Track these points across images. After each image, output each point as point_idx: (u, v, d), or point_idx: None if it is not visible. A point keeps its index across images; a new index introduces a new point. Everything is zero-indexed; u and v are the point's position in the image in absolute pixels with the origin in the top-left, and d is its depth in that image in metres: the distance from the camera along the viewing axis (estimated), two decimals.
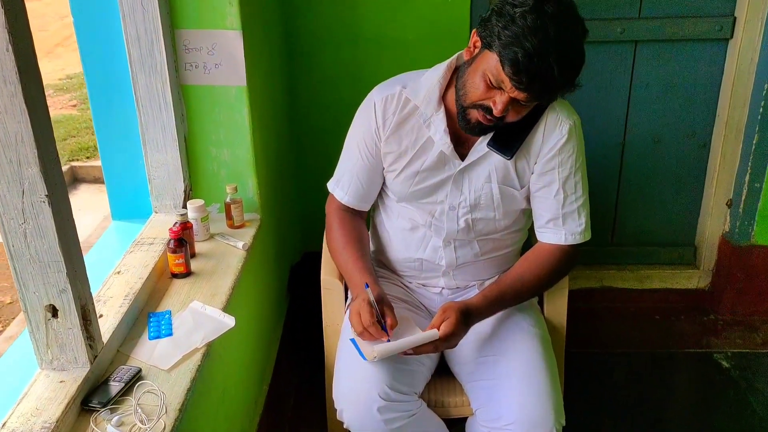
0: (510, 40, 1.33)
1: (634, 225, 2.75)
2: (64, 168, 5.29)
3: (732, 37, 2.44)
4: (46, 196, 1.11)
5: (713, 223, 2.68)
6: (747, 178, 2.49)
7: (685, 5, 2.42)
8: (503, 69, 1.35)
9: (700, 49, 2.48)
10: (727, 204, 2.60)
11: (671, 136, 2.61)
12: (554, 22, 1.32)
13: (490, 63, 1.39)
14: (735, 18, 2.40)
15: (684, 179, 2.67)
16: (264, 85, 2.05)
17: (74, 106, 6.83)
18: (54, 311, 1.22)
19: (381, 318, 1.49)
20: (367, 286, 1.53)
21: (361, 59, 2.41)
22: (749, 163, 2.46)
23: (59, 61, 8.04)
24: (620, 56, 2.50)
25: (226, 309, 1.56)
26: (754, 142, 2.43)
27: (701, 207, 2.71)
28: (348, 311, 1.74)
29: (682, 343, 2.58)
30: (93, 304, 1.29)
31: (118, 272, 1.60)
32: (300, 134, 2.54)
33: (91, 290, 1.31)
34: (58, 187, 1.15)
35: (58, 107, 6.73)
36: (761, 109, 2.39)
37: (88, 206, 4.78)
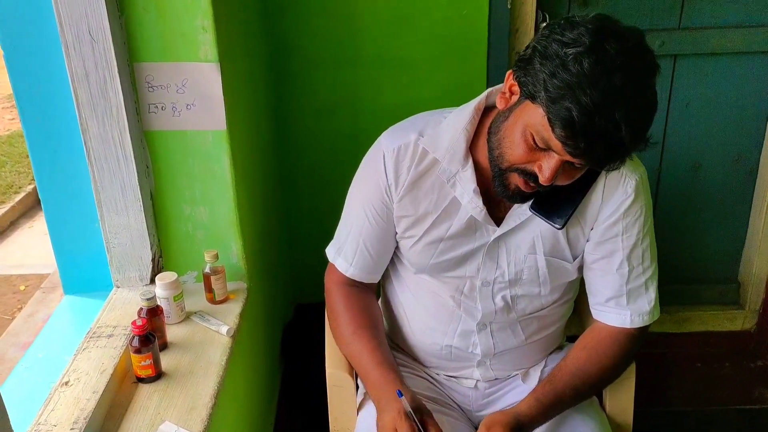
0: (561, 93, 0.99)
1: (671, 260, 2.42)
2: (28, 188, 4.87)
3: None
4: None
5: (761, 258, 2.37)
6: None
7: (731, 14, 2.10)
8: (553, 130, 1.02)
9: (750, 63, 2.16)
10: None
11: (714, 161, 2.29)
12: (620, 65, 0.98)
13: (534, 119, 1.05)
14: None
15: (728, 209, 2.37)
16: (248, 126, 1.69)
17: None
18: None
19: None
20: (401, 394, 1.20)
21: (359, 83, 2.04)
22: None
23: None
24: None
25: (209, 430, 1.21)
26: None
27: (746, 240, 2.41)
28: (360, 417, 1.40)
29: (731, 397, 2.27)
30: None
31: (67, 383, 1.24)
32: (290, 172, 2.17)
33: (32, 408, 1.08)
34: None
35: None
36: None
37: None
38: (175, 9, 1.35)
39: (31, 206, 4.80)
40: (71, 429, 1.13)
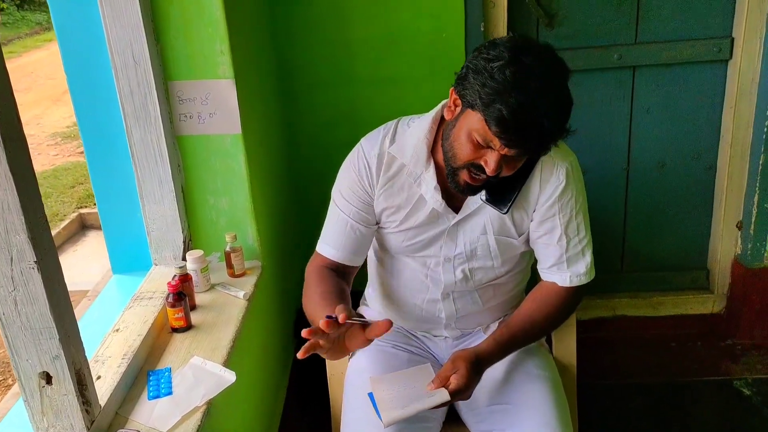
0: (492, 98, 1.25)
1: (644, 251, 2.70)
2: (73, 215, 5.31)
3: (731, 57, 2.41)
4: (35, 262, 1.09)
5: (725, 245, 2.63)
6: (756, 198, 2.45)
7: (681, 29, 2.41)
8: (489, 128, 1.28)
9: (700, 72, 2.46)
10: (737, 226, 2.56)
11: (676, 160, 2.57)
12: (536, 72, 1.25)
13: (475, 122, 1.30)
14: (733, 39, 2.38)
15: (692, 202, 2.63)
16: (260, 132, 2.04)
17: (82, 152, 6.90)
18: (48, 378, 1.20)
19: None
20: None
21: (356, 100, 2.40)
22: (757, 184, 2.43)
23: (67, 108, 8.14)
24: (619, 82, 2.48)
25: (227, 362, 1.53)
26: (761, 162, 2.39)
27: (711, 230, 2.67)
28: (351, 362, 1.69)
29: (701, 371, 2.51)
30: (88, 368, 1.26)
31: (117, 330, 1.58)
32: (299, 177, 2.52)
33: (90, 350, 1.29)
34: (48, 252, 1.13)
35: (66, 154, 6.79)
36: (766, 129, 2.35)
37: (97, 253, 4.78)
38: (199, 36, 1.71)
39: (74, 232, 5.21)
40: (122, 358, 1.46)
